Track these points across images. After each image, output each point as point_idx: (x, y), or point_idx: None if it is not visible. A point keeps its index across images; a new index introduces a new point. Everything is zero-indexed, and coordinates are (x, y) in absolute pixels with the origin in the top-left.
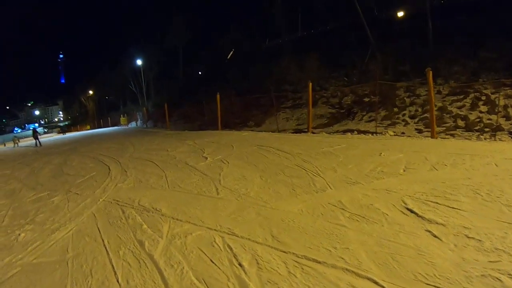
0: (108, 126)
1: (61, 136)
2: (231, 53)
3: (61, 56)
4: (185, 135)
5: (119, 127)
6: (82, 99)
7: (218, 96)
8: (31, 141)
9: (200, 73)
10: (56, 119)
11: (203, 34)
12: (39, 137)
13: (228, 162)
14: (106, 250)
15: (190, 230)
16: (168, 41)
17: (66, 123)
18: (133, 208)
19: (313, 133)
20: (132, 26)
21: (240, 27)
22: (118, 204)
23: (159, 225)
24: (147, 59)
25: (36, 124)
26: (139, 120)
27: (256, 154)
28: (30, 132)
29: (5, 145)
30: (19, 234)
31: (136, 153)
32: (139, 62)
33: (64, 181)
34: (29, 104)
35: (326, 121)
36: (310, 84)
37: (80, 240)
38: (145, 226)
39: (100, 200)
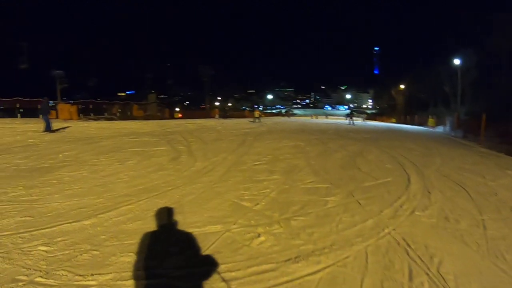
0: (414, 124)
1: (365, 123)
2: None
3: (376, 48)
4: (502, 161)
5: (424, 128)
6: (392, 91)
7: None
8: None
9: None
10: (364, 106)
11: None
12: (353, 118)
13: None
14: None
15: None
16: (490, 41)
17: (374, 111)
18: (426, 274)
19: None
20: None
21: None
22: (407, 253)
23: None
24: (465, 60)
25: (346, 107)
26: (447, 125)
27: None
28: (338, 112)
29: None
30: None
31: (443, 169)
32: (456, 61)
33: (352, 177)
34: (342, 88)
35: None
36: None
37: None
38: None
39: (385, 230)
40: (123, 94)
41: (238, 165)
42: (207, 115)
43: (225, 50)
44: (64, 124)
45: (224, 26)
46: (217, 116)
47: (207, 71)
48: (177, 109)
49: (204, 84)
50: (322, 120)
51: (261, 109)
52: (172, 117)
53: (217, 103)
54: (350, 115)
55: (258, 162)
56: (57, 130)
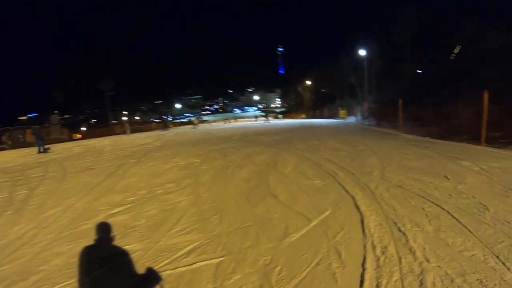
0: (324, 118)
1: (275, 122)
2: (456, 50)
3: (280, 49)
4: (441, 147)
5: (337, 120)
6: (299, 89)
7: (486, 96)
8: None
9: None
10: (273, 105)
11: (433, 27)
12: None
13: None
14: None
15: None
16: (393, 33)
17: (282, 109)
18: None
19: None
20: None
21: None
22: None
23: None
24: (369, 51)
25: (255, 108)
26: (358, 115)
27: None
28: (248, 114)
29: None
30: None
31: (389, 173)
32: (361, 52)
33: (264, 222)
34: (250, 90)
35: None
36: None
37: None
38: None
39: None
40: (24, 118)
41: (81, 221)
42: (113, 131)
43: (128, 63)
44: None
45: (125, 39)
46: (128, 131)
47: (109, 85)
48: (83, 128)
49: (108, 99)
50: (231, 124)
51: (170, 119)
52: (70, 139)
53: (124, 118)
54: (266, 116)
55: (118, 209)
56: None
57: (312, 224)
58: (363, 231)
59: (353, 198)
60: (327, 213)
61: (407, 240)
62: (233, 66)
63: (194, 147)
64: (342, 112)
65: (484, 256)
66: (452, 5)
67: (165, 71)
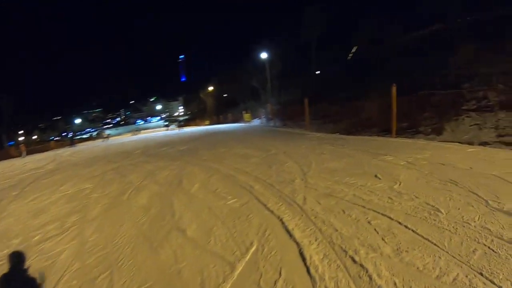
0: (228, 122)
1: (180, 130)
2: (354, 49)
3: (181, 57)
4: (356, 143)
5: (242, 124)
6: (202, 95)
7: (394, 89)
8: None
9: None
10: (176, 113)
11: (336, 27)
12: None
13: None
14: None
15: None
16: (297, 34)
17: (186, 117)
18: None
19: None
20: (254, 19)
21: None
22: None
23: None
24: (273, 54)
25: (158, 117)
26: (263, 117)
27: None
28: (151, 124)
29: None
30: None
31: (312, 178)
32: (263, 55)
33: (166, 279)
34: (152, 99)
35: None
36: None
37: None
38: None
39: None
40: None
41: None
42: (8, 155)
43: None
44: None
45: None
46: (23, 153)
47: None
48: None
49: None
50: (134, 136)
51: (70, 136)
52: None
53: (21, 138)
54: (167, 125)
55: None
56: None
57: (236, 273)
58: (308, 271)
59: (280, 220)
60: (253, 249)
61: (370, 276)
62: (134, 76)
63: (89, 168)
64: (246, 116)
65: (467, 277)
66: (354, 6)
67: (63, 84)
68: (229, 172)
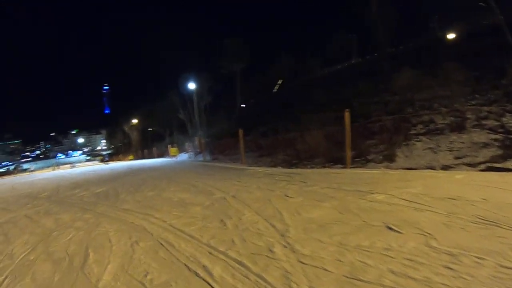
0: (153, 157)
1: (104, 166)
2: (279, 82)
3: (105, 88)
4: (320, 179)
5: (168, 158)
6: (125, 128)
7: (347, 114)
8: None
9: (243, 106)
10: (99, 148)
11: (258, 60)
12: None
13: None
14: None
15: None
16: (221, 66)
17: (109, 152)
18: None
19: None
20: (179, 52)
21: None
22: None
23: None
24: (199, 86)
25: (80, 152)
26: (191, 151)
27: None
28: (72, 159)
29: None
30: None
31: (299, 243)
32: (191, 86)
33: None
34: (73, 132)
35: (496, 152)
36: None
37: None
38: None
39: None
40: None
41: None
42: None
43: None
44: None
45: None
46: None
47: None
48: None
49: None
50: (49, 173)
51: None
52: None
53: None
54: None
55: None
56: None
57: None
58: None
59: None
60: None
61: None
62: (55, 107)
63: None
64: (172, 150)
65: None
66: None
67: None
68: (163, 234)
